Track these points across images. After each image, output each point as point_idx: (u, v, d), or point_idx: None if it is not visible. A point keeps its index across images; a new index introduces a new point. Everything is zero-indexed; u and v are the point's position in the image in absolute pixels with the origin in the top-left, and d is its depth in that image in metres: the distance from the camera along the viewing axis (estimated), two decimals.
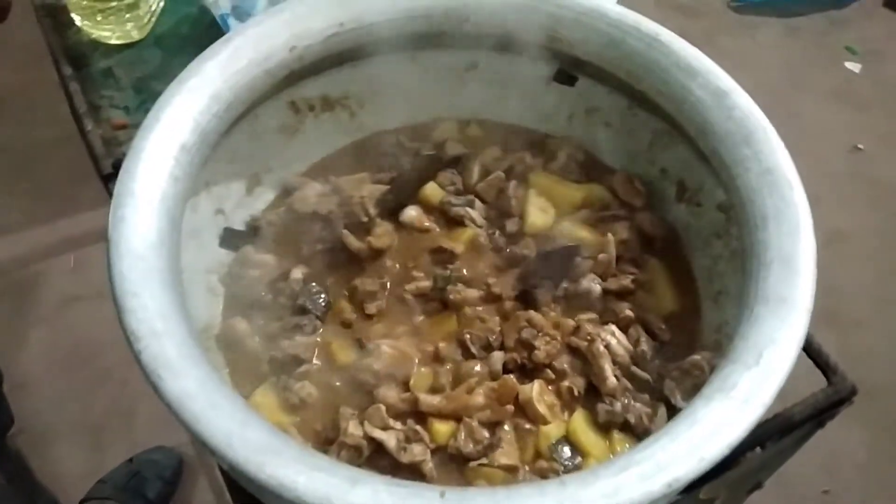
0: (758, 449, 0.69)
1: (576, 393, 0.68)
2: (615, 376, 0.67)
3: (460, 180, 0.80)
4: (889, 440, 1.55)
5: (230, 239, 0.76)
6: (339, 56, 0.77)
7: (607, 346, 0.69)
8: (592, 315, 0.72)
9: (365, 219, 0.75)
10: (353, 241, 0.74)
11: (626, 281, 0.72)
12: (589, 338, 0.69)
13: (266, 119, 0.78)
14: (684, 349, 0.71)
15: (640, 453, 0.52)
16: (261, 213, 0.79)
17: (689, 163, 0.76)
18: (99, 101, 0.87)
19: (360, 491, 0.50)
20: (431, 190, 0.79)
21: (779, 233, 0.62)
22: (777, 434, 0.67)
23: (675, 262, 0.77)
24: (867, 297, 1.73)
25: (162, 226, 0.61)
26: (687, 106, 0.71)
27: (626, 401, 0.67)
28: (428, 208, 0.78)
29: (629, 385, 0.68)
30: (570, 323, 0.71)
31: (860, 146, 1.97)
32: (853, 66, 2.15)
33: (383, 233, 0.75)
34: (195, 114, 0.67)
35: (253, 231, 0.77)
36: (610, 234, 0.74)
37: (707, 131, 0.69)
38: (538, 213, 0.77)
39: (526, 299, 0.73)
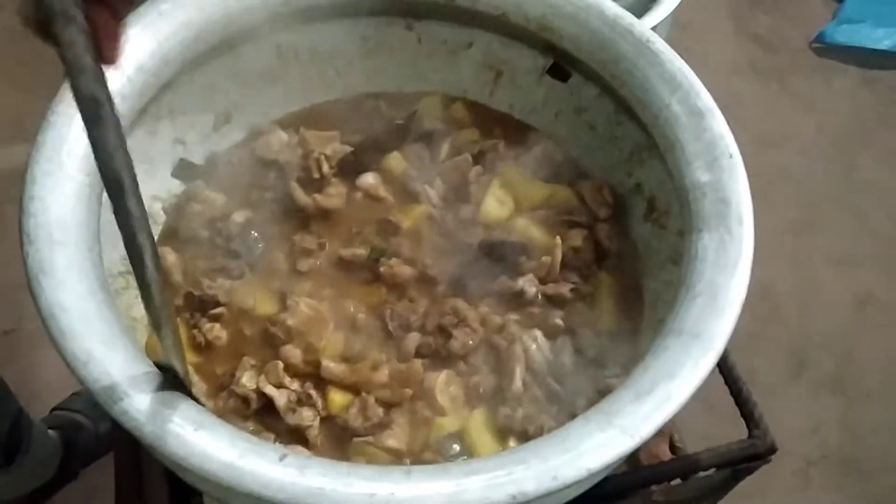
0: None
1: (481, 391, 0.65)
2: (523, 383, 0.65)
3: (428, 156, 0.78)
4: None
5: (184, 170, 0.75)
6: (329, 8, 0.76)
7: (525, 351, 0.66)
8: (521, 316, 0.69)
9: (317, 175, 0.74)
10: (300, 196, 0.73)
11: (565, 289, 0.69)
12: (510, 338, 0.67)
13: (249, 59, 0.77)
14: (610, 370, 0.68)
15: (496, 460, 0.50)
16: (222, 151, 0.78)
17: (663, 182, 0.72)
18: None
19: (201, 434, 0.49)
20: (395, 160, 0.77)
21: (715, 266, 0.58)
22: (679, 475, 0.63)
23: (626, 281, 0.73)
24: (883, 369, 1.64)
25: None
26: (661, 119, 0.67)
27: (531, 410, 0.64)
28: (388, 178, 0.76)
29: (539, 395, 0.65)
30: (497, 320, 0.69)
31: None
32: None
33: (335, 193, 0.74)
34: (160, 38, 0.67)
35: (210, 167, 0.77)
36: (559, 238, 0.71)
37: (676, 149, 0.66)
38: (494, 204, 0.74)
39: (459, 287, 0.70)
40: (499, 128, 0.81)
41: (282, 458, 0.49)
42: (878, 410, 1.60)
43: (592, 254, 0.73)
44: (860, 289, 1.75)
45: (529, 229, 0.73)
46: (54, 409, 1.45)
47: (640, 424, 0.51)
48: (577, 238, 0.73)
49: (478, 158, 0.77)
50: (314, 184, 0.74)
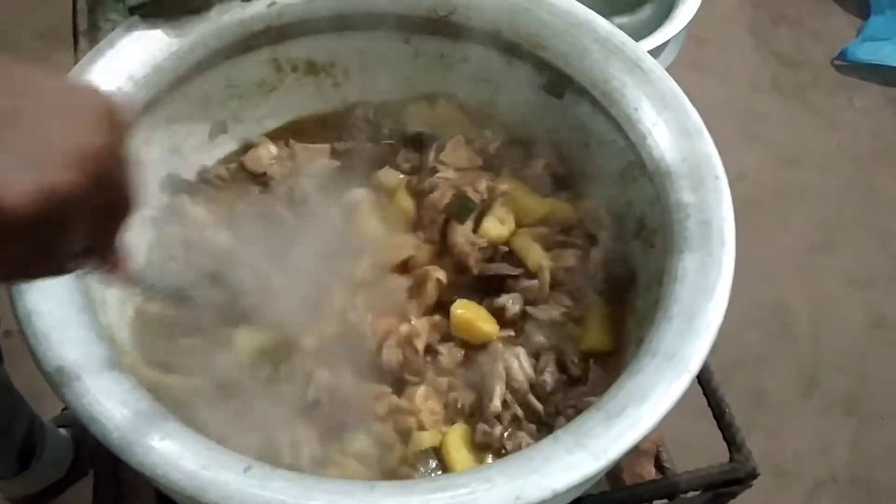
0: None
1: (459, 406, 0.65)
2: (504, 400, 0.64)
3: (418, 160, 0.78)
4: None
5: (171, 185, 0.75)
6: (325, 21, 0.77)
7: (507, 369, 0.66)
8: (505, 334, 0.69)
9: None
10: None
11: (556, 313, 0.69)
12: (493, 356, 0.67)
13: (245, 70, 0.78)
14: (594, 389, 0.67)
15: (462, 478, 0.50)
16: (213, 165, 0.78)
17: (652, 201, 0.71)
18: (103, 24, 0.89)
19: (166, 444, 0.49)
20: (385, 175, 0.77)
21: (694, 288, 0.57)
22: (657, 497, 0.62)
23: (614, 300, 0.72)
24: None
25: None
26: (649, 140, 0.67)
27: (510, 428, 0.64)
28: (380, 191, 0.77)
29: (519, 412, 0.65)
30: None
31: None
32: None
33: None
34: (153, 48, 0.68)
35: (200, 182, 0.77)
36: (545, 261, 0.70)
37: (661, 169, 0.65)
38: (495, 223, 0.74)
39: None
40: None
41: (246, 469, 0.49)
42: (890, 432, 1.57)
43: (586, 275, 0.72)
44: (876, 309, 1.73)
45: (528, 249, 0.73)
46: (66, 407, 1.47)
47: (609, 447, 0.50)
48: (570, 258, 0.72)
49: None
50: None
